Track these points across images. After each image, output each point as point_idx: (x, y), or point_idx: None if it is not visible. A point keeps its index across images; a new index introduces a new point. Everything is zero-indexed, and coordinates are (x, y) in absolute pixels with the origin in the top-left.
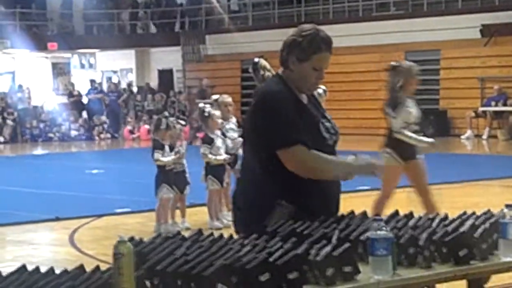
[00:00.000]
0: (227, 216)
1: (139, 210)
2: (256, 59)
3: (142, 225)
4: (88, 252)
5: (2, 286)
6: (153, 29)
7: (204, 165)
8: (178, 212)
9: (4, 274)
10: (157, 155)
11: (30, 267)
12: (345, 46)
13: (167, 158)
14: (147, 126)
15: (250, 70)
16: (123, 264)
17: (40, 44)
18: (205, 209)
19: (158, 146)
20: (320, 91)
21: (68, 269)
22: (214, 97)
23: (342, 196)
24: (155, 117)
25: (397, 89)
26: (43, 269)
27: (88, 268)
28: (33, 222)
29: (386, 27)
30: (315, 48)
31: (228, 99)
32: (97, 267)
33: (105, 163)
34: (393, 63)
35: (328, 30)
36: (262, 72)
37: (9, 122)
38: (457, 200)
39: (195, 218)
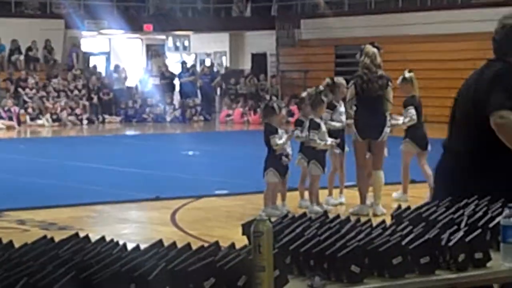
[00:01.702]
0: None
1: (239, 193)
2: (363, 46)
3: (241, 208)
4: (191, 232)
5: (142, 259)
6: (248, 13)
7: (299, 149)
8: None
9: (141, 248)
10: (274, 140)
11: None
12: (442, 33)
13: (282, 140)
14: (241, 109)
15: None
16: (263, 242)
17: (135, 26)
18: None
19: (273, 130)
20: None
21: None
22: (328, 79)
23: None
24: (250, 101)
25: None
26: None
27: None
28: (135, 201)
29: (485, 14)
30: None
31: (343, 81)
32: (233, 244)
33: (200, 145)
34: None
35: (426, 16)
36: (362, 57)
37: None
38: None
39: (295, 202)
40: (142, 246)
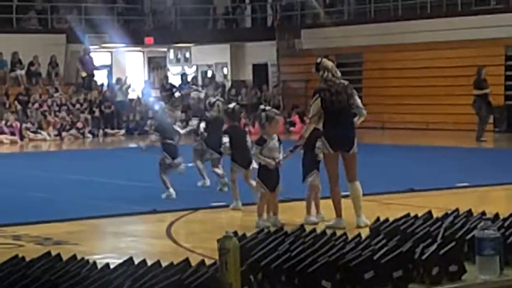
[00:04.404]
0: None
1: None
2: (318, 59)
3: (238, 219)
4: (184, 245)
5: (111, 278)
6: (248, 24)
7: None
8: None
9: (111, 266)
10: (255, 150)
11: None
12: (442, 40)
13: (257, 151)
14: (243, 120)
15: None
16: (229, 259)
17: (137, 39)
18: (296, 204)
19: (258, 140)
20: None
21: (174, 263)
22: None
23: (438, 193)
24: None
25: None
26: (148, 261)
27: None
28: (131, 215)
29: (485, 21)
30: None
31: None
32: (203, 261)
33: None
34: None
35: (426, 24)
36: (321, 72)
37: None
38: None
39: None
40: (116, 263)
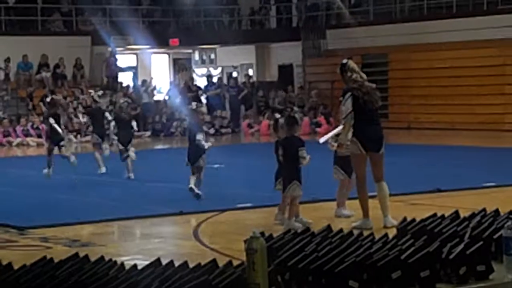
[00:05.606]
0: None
1: (261, 205)
2: (344, 60)
3: (264, 220)
4: (212, 246)
5: (138, 279)
6: (273, 24)
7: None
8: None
9: (138, 267)
10: (303, 152)
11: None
12: (468, 40)
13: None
14: (267, 121)
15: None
16: (256, 259)
17: (162, 40)
18: (324, 204)
19: (300, 143)
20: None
21: (201, 264)
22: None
23: (465, 193)
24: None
25: None
26: (175, 263)
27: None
28: (158, 216)
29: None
30: None
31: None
32: (230, 262)
33: (226, 158)
34: None
35: (452, 24)
36: (349, 73)
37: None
38: None
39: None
40: (144, 264)
